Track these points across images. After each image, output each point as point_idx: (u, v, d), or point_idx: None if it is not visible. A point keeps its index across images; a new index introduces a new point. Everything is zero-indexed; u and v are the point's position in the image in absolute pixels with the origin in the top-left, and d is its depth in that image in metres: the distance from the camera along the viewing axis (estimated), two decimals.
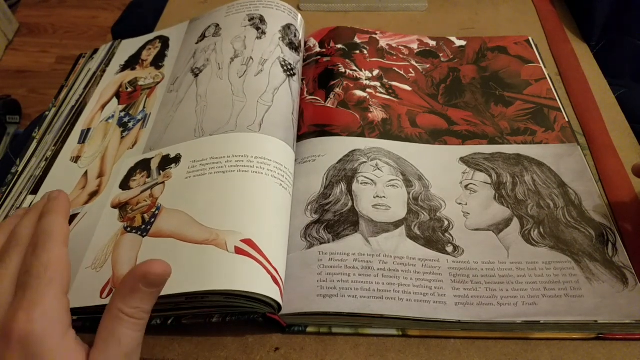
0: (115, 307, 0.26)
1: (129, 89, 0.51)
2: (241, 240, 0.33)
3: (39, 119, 0.51)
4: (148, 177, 0.40)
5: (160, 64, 0.52)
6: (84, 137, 0.47)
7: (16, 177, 0.45)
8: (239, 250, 0.32)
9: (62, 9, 1.74)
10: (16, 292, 0.27)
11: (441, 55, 0.53)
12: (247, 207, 0.35)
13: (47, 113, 0.51)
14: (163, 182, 0.38)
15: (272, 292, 0.32)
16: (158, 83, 0.50)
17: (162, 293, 0.28)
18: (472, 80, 0.50)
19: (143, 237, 0.35)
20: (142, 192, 0.39)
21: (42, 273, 0.27)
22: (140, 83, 0.51)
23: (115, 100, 0.50)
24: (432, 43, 0.55)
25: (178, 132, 0.43)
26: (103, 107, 0.50)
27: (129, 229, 0.36)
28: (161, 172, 0.39)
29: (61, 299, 0.27)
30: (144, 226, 0.36)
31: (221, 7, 0.53)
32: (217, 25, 0.51)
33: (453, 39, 0.55)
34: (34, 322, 0.25)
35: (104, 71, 0.54)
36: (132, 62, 0.54)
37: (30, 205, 0.42)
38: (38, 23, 1.68)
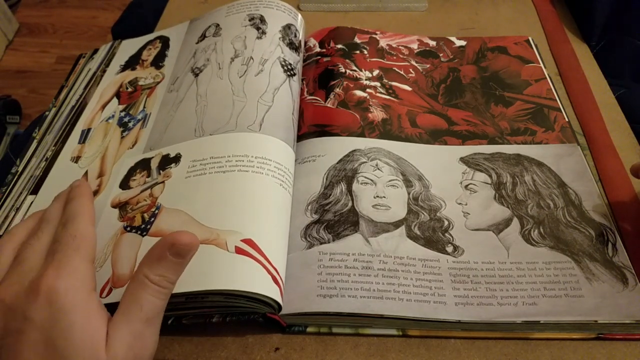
0: (141, 272, 0.27)
1: (129, 89, 0.51)
2: (241, 240, 0.33)
3: (39, 119, 0.51)
4: (148, 176, 0.40)
5: (160, 64, 0.52)
6: (84, 137, 0.47)
7: (16, 177, 0.45)
8: (239, 250, 0.32)
9: (62, 9, 1.74)
10: (46, 258, 0.28)
11: (441, 55, 0.53)
12: (247, 207, 0.35)
13: (47, 113, 0.51)
14: (163, 182, 0.38)
15: (272, 292, 0.32)
16: (158, 83, 0.50)
17: None
18: (472, 80, 0.50)
19: (143, 236, 0.35)
20: (142, 191, 0.39)
21: (70, 241, 0.29)
22: (140, 83, 0.51)
23: (115, 100, 0.50)
24: (432, 43, 0.55)
25: (178, 131, 0.43)
26: (103, 107, 0.50)
27: (128, 229, 0.36)
28: (161, 171, 0.39)
29: (87, 264, 0.28)
30: (143, 225, 0.36)
31: (221, 7, 0.53)
32: (218, 25, 0.51)
33: (453, 39, 0.55)
34: (61, 278, 0.26)
35: (104, 71, 0.54)
36: (133, 62, 0.54)
37: (30, 206, 0.42)
38: (38, 23, 1.68)
